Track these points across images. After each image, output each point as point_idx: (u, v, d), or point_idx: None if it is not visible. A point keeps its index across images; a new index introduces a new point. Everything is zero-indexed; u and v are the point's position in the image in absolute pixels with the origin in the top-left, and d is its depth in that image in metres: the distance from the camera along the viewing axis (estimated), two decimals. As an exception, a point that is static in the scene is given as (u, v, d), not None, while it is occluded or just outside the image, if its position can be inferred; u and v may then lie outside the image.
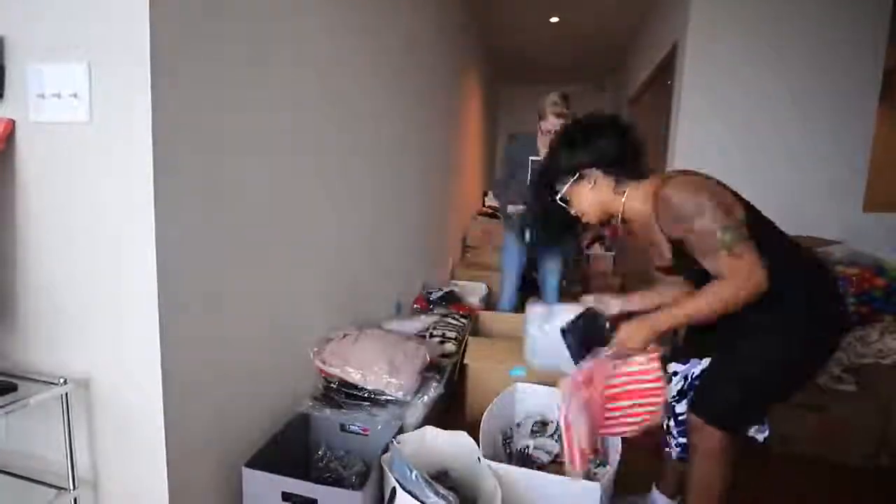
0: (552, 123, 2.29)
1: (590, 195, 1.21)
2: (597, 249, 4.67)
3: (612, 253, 4.61)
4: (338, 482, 1.38)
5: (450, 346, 2.13)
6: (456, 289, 3.15)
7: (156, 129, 0.91)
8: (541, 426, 1.72)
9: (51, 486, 1.03)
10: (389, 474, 1.18)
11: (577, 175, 1.20)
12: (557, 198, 1.25)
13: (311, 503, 1.13)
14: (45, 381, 0.98)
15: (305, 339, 1.58)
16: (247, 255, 1.23)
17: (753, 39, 2.78)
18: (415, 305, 2.81)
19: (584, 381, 1.21)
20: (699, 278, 1.12)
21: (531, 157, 2.46)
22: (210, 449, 1.15)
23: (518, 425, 1.76)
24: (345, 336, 1.69)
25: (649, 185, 1.17)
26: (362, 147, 1.96)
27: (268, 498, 1.16)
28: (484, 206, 5.50)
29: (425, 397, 1.62)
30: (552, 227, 1.40)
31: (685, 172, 1.17)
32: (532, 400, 1.79)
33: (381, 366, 1.55)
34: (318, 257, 1.63)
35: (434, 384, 1.69)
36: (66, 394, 0.98)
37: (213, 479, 1.16)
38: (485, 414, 1.54)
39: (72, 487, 1.00)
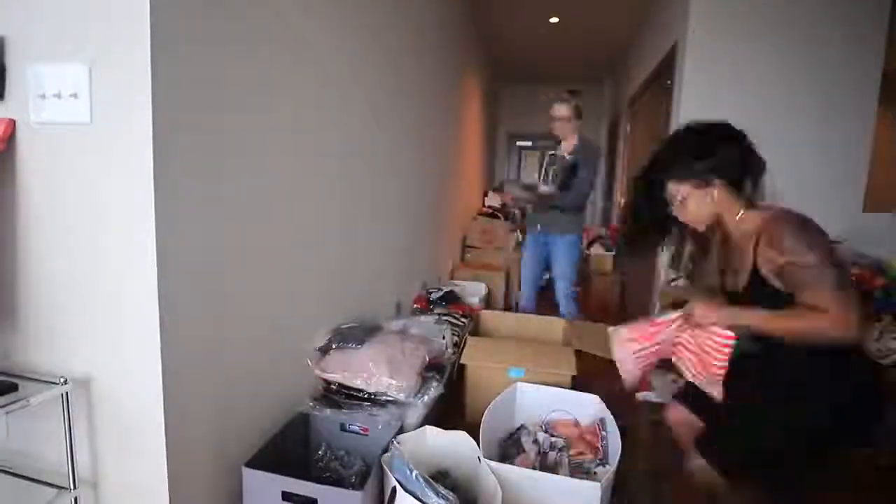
0: (556, 109, 2.62)
1: (708, 205, 1.18)
2: (597, 249, 4.66)
3: (612, 253, 4.60)
4: (338, 482, 1.38)
5: (450, 346, 2.13)
6: (456, 289, 3.15)
7: (156, 129, 0.91)
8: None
9: (51, 485, 1.03)
10: (390, 474, 1.18)
11: (699, 182, 1.16)
12: (665, 194, 1.21)
13: (312, 503, 1.13)
14: (45, 381, 0.98)
15: (305, 339, 1.59)
16: (247, 254, 1.23)
17: (753, 39, 2.78)
18: (415, 305, 2.81)
19: (634, 336, 1.28)
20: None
21: (549, 153, 2.76)
22: (210, 449, 1.15)
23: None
24: (345, 347, 1.67)
25: (759, 214, 1.14)
26: (362, 147, 1.96)
27: (268, 497, 1.16)
28: (484, 206, 5.49)
29: (425, 397, 1.62)
30: (643, 222, 1.34)
31: (787, 211, 1.13)
32: (532, 400, 1.80)
33: (382, 369, 1.55)
34: (318, 257, 1.63)
35: (434, 384, 1.69)
36: (67, 393, 0.98)
37: (213, 479, 1.16)
38: (485, 414, 1.54)
39: (72, 487, 1.01)
